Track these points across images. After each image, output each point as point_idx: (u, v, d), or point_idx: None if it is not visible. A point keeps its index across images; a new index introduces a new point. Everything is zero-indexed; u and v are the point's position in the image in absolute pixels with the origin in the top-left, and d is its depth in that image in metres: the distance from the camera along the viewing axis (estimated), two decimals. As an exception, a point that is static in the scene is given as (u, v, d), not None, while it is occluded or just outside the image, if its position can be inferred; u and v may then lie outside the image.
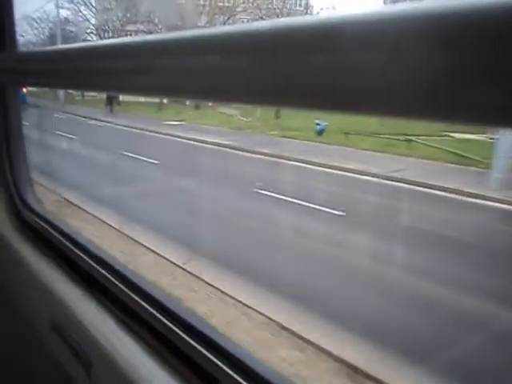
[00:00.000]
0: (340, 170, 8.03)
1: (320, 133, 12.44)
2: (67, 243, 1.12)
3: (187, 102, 26.13)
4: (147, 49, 0.52)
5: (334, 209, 5.61)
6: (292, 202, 5.94)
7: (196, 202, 6.13)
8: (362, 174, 7.73)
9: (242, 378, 0.67)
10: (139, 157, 9.19)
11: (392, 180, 7.42)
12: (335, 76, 0.32)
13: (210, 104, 25.42)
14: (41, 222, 1.25)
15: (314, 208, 5.67)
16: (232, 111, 22.77)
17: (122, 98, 23.01)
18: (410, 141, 10.45)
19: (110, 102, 21.48)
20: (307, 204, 5.81)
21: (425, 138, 11.42)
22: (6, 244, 1.30)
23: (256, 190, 6.55)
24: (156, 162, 8.78)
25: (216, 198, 6.26)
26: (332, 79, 0.32)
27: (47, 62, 0.84)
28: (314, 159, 8.81)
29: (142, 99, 24.68)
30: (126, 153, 9.59)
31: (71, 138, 11.95)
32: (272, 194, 6.34)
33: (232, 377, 0.68)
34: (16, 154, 1.35)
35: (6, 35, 1.19)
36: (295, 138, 12.24)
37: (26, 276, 1.18)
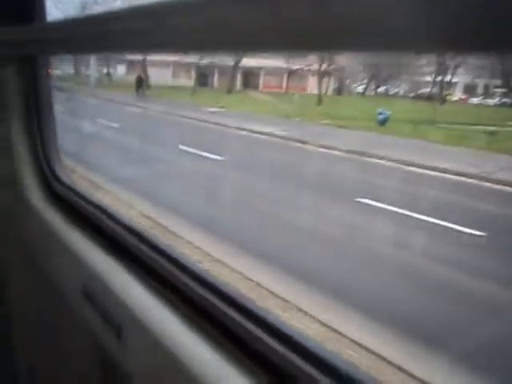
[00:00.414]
0: (436, 171, 7.02)
1: (383, 122, 11.40)
2: (96, 212, 1.14)
3: (215, 84, 25.15)
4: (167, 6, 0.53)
5: (463, 226, 4.62)
6: (418, 218, 4.90)
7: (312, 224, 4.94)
8: (466, 177, 6.73)
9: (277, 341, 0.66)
10: (198, 152, 8.28)
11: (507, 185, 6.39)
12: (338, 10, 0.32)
13: (239, 88, 24.40)
14: (70, 193, 1.29)
15: (452, 228, 4.61)
16: (264, 96, 21.78)
17: (151, 81, 22.25)
18: (493, 133, 9.33)
19: (140, 85, 20.63)
20: (442, 223, 4.76)
21: (483, 127, 10.32)
22: (37, 214, 1.32)
23: (363, 200, 5.52)
24: (219, 157, 7.86)
25: (331, 216, 5.13)
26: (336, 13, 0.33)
27: (76, 30, 0.83)
28: (396, 155, 7.81)
29: (170, 83, 23.78)
30: (182, 147, 8.70)
31: (114, 127, 11.11)
32: (381, 206, 5.35)
33: (262, 339, 0.66)
34: (46, 125, 1.38)
35: (36, 7, 1.23)
36: (354, 129, 11.18)
37: (57, 245, 1.20)
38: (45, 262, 1.31)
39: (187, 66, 23.49)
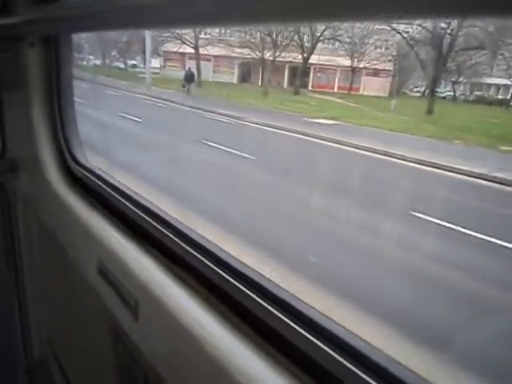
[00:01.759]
0: None
1: None
2: (113, 193, 1.15)
3: (265, 81, 21.21)
4: None
5: None
6: None
7: None
8: None
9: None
10: (444, 223, 4.33)
11: None
12: None
13: (286, 87, 20.39)
14: (88, 175, 1.30)
15: None
16: (339, 100, 17.80)
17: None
18: None
19: (191, 82, 16.74)
20: None
21: None
22: (57, 195, 1.33)
23: None
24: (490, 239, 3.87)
25: None
26: None
27: (100, 5, 0.81)
28: None
29: (211, 79, 19.92)
30: (415, 214, 4.75)
31: (216, 147, 7.17)
32: None
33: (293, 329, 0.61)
34: (66, 109, 1.36)
35: None
36: None
37: (75, 224, 1.21)
38: (62, 240, 1.32)
39: (228, 60, 19.79)
